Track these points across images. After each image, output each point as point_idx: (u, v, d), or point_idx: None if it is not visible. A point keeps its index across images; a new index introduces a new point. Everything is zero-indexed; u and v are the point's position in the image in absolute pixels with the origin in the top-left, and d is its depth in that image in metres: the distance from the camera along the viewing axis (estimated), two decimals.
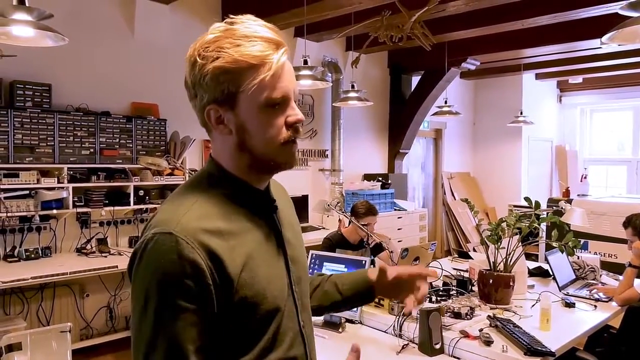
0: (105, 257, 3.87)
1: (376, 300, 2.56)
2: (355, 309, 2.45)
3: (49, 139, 3.68)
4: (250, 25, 0.90)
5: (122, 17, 4.28)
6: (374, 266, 1.25)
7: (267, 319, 0.92)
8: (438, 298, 2.63)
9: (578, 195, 6.91)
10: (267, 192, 1.03)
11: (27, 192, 3.61)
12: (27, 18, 2.31)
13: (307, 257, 1.26)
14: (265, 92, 0.89)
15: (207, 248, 0.84)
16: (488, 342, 2.12)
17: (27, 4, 2.34)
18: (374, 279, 1.21)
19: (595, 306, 2.80)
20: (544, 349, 2.06)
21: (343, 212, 4.04)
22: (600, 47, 5.57)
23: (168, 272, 0.82)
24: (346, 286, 1.23)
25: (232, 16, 0.91)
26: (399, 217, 6.11)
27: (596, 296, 2.94)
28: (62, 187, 3.71)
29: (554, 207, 3.68)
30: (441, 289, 2.76)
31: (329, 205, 5.80)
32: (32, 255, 3.68)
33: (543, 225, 3.20)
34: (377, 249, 3.64)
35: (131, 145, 4.10)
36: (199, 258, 0.83)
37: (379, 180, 6.16)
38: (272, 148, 0.93)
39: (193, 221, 0.86)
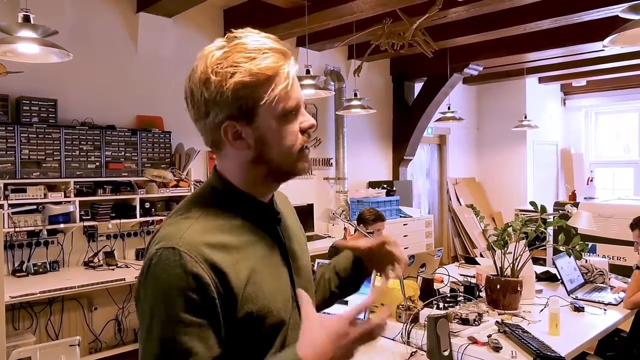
0: (113, 270, 3.88)
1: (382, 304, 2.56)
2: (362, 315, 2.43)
3: (55, 153, 3.71)
4: (257, 38, 0.90)
5: (125, 31, 4.33)
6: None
7: (272, 333, 0.91)
8: (446, 304, 2.62)
9: (585, 198, 6.88)
10: (271, 204, 1.02)
11: (35, 206, 3.63)
12: (33, 35, 2.35)
13: (313, 265, 1.24)
14: (282, 103, 0.90)
15: (211, 262, 0.84)
16: (497, 348, 2.11)
17: (32, 22, 2.38)
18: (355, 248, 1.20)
19: (605, 310, 2.78)
20: (553, 354, 2.04)
21: (348, 220, 4.03)
22: (603, 50, 5.56)
23: (172, 286, 0.82)
24: (340, 266, 1.23)
25: (233, 30, 0.91)
26: (404, 224, 6.09)
27: (619, 299, 2.91)
28: (69, 201, 3.74)
29: (561, 211, 3.66)
30: (449, 295, 2.75)
31: (334, 213, 5.81)
32: (40, 270, 3.70)
33: (550, 229, 3.19)
34: None
35: (136, 158, 4.13)
36: (203, 272, 0.82)
37: (383, 188, 6.16)
38: (290, 156, 0.94)
39: (196, 235, 0.86)
